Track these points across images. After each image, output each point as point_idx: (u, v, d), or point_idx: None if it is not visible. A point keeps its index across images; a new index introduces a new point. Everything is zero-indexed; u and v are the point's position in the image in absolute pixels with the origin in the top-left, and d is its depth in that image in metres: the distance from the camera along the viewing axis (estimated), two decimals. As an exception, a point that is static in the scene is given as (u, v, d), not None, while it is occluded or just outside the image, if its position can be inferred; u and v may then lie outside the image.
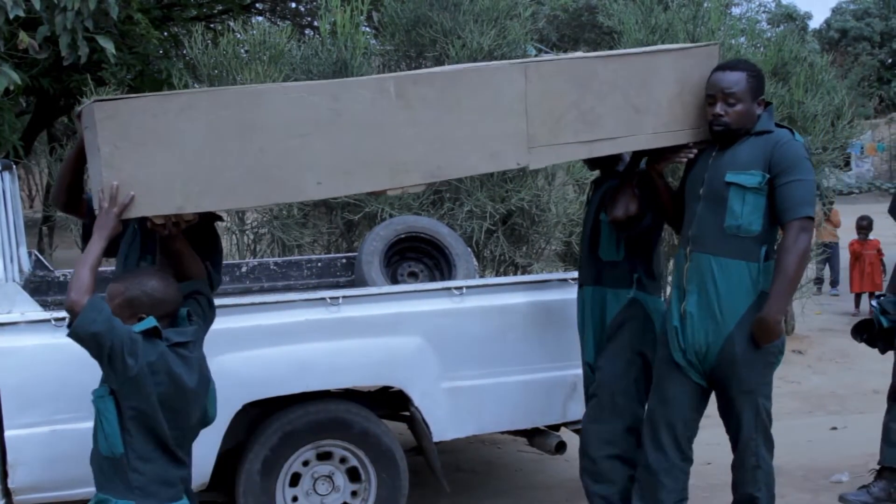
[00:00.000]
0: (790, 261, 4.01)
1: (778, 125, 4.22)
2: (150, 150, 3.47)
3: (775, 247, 4.19)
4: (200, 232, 3.92)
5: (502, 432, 5.36)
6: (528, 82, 3.99)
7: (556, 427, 5.25)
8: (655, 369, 4.45)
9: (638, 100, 4.18)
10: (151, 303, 3.49)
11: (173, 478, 3.54)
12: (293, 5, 15.55)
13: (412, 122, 3.82)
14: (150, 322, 3.42)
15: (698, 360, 4.22)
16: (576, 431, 5.12)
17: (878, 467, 5.51)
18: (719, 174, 4.17)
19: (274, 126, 3.61)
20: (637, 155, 4.56)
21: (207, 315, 3.85)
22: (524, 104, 3.99)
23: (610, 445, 4.57)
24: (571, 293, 5.01)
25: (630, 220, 4.49)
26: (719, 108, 4.14)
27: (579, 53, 4.47)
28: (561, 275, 5.38)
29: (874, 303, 5.48)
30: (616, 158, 4.66)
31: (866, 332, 5.52)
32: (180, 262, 3.78)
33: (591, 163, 4.82)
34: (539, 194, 8.25)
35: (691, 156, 4.35)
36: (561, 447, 5.12)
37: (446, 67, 4.45)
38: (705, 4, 9.49)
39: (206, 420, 3.76)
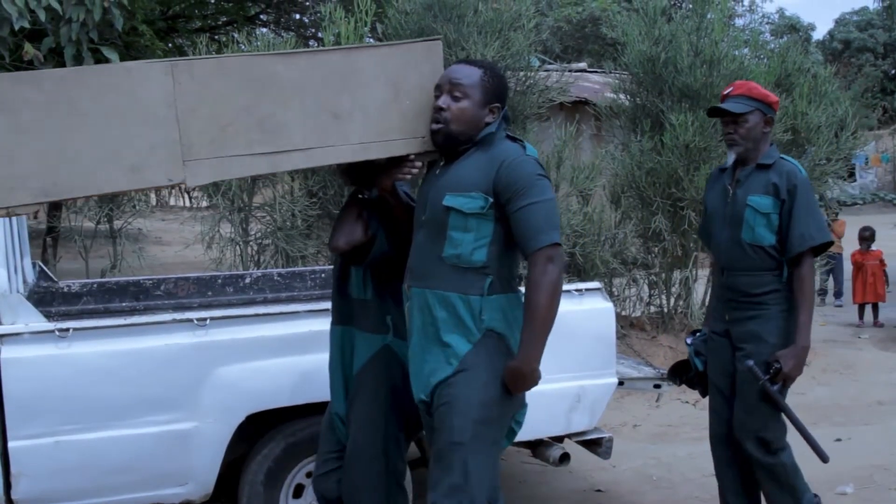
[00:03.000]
0: (540, 298, 3.40)
1: (510, 137, 3.64)
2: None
3: (515, 277, 3.67)
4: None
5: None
6: (176, 84, 3.39)
7: (560, 438, 5.23)
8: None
9: (337, 104, 3.60)
10: None
11: None
12: (297, 17, 15.59)
13: (14, 128, 3.25)
14: None
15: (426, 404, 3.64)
16: (580, 443, 5.11)
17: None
18: (440, 195, 3.56)
19: None
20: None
21: None
22: (174, 110, 3.40)
23: None
24: (577, 304, 5.00)
25: (357, 249, 3.92)
26: (442, 101, 3.56)
27: (256, 53, 3.86)
28: (566, 286, 5.36)
29: (689, 340, 4.88)
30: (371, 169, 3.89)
31: (684, 373, 4.95)
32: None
33: (346, 175, 4.03)
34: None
35: (415, 171, 3.74)
36: (565, 458, 5.10)
37: (65, 70, 3.66)
38: (709, 16, 9.50)
39: None
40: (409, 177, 3.75)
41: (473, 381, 3.47)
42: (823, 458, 4.45)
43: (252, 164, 3.55)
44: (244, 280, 6.32)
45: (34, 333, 4.39)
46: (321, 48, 3.82)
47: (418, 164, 3.72)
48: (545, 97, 8.64)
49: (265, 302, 6.18)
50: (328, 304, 4.76)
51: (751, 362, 4.44)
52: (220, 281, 6.27)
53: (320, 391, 4.66)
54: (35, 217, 13.34)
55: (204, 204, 19.59)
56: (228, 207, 7.94)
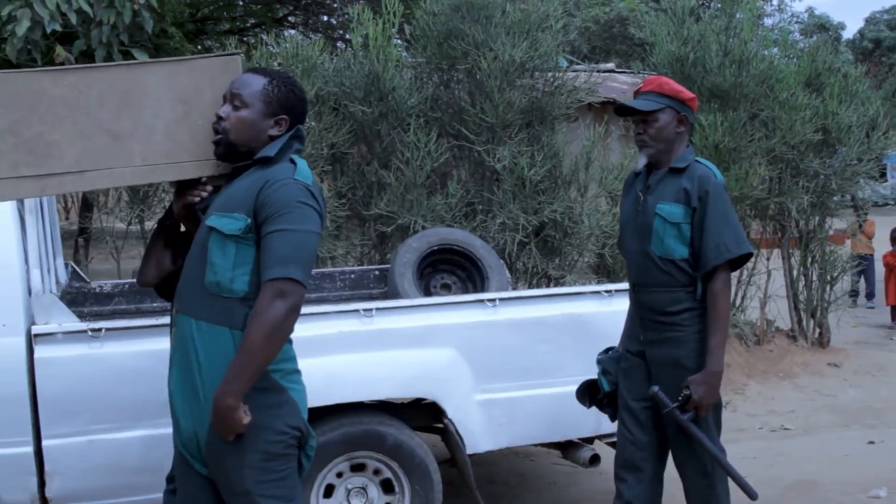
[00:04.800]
0: (255, 332, 3.05)
1: (293, 159, 3.31)
2: None
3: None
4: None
5: (536, 445, 5.35)
6: None
7: (590, 440, 5.22)
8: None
9: (117, 124, 3.35)
10: None
11: None
12: (325, 18, 15.61)
13: None
14: None
15: (196, 450, 3.33)
16: (610, 444, 5.10)
17: None
18: (210, 215, 3.30)
19: None
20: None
21: None
22: None
23: None
24: (605, 305, 5.00)
25: (169, 280, 3.64)
26: (222, 110, 3.30)
27: (25, 70, 3.57)
28: (594, 287, 5.35)
29: (600, 356, 4.49)
30: None
31: (594, 394, 4.51)
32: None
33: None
34: (572, 206, 8.24)
35: (205, 194, 3.46)
36: (595, 460, 5.09)
37: None
38: (738, 15, 9.46)
39: None
40: (197, 200, 3.46)
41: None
42: (751, 496, 3.96)
43: (19, 188, 3.35)
44: (274, 281, 6.32)
45: (67, 333, 4.43)
46: (100, 65, 3.69)
47: (209, 187, 3.46)
48: (573, 98, 8.61)
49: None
50: (358, 305, 4.80)
51: (656, 388, 4.05)
52: (249, 282, 6.27)
53: (351, 391, 4.69)
54: (66, 218, 13.42)
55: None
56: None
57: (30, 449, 4.37)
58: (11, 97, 3.28)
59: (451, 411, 4.80)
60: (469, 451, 4.84)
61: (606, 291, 5.09)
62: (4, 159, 3.28)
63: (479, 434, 4.87)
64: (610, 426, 4.99)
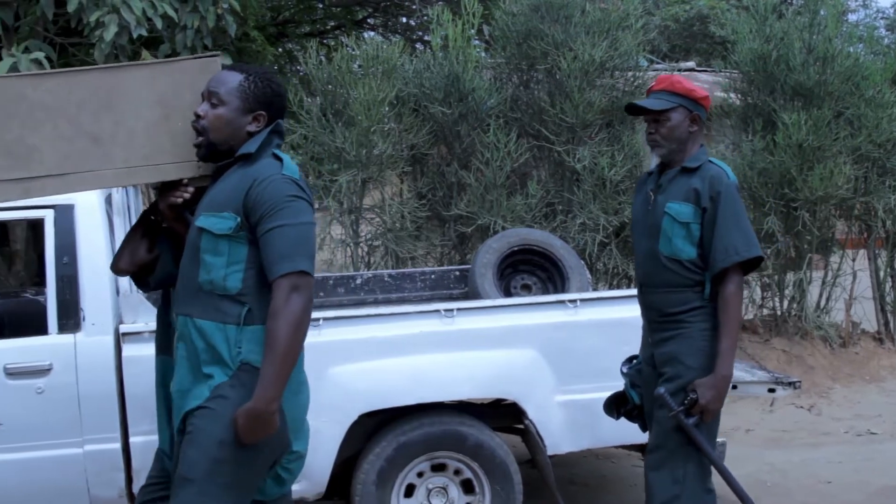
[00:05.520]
0: (280, 330, 3.05)
1: (276, 156, 3.33)
2: None
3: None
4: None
5: (617, 447, 5.31)
6: None
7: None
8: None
9: (96, 127, 3.38)
10: None
11: None
12: (404, 20, 15.68)
13: None
14: None
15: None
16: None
17: None
18: (198, 216, 3.33)
19: None
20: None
21: None
22: None
23: None
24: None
25: (143, 270, 3.69)
26: (200, 108, 3.31)
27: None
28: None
29: (624, 369, 4.36)
30: None
31: (622, 405, 4.38)
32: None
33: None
34: (652, 207, 8.16)
35: (187, 195, 3.45)
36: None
37: None
38: (821, 12, 9.29)
39: None
40: (179, 201, 3.45)
41: (219, 416, 3.15)
42: None
43: (1, 191, 3.37)
44: (355, 281, 6.39)
45: (153, 332, 4.50)
46: (79, 69, 3.64)
47: (190, 188, 3.45)
48: (654, 97, 8.54)
49: (376, 303, 6.24)
50: (439, 305, 4.82)
51: (662, 389, 3.90)
52: (331, 282, 6.34)
53: (432, 392, 4.71)
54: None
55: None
56: (339, 209, 8.03)
57: (118, 445, 4.47)
58: None
59: (532, 412, 4.80)
60: (550, 452, 4.84)
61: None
62: None
63: (559, 435, 4.86)
64: (692, 428, 4.96)
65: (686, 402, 3.84)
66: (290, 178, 3.21)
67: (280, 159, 3.30)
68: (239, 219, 3.18)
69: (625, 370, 4.34)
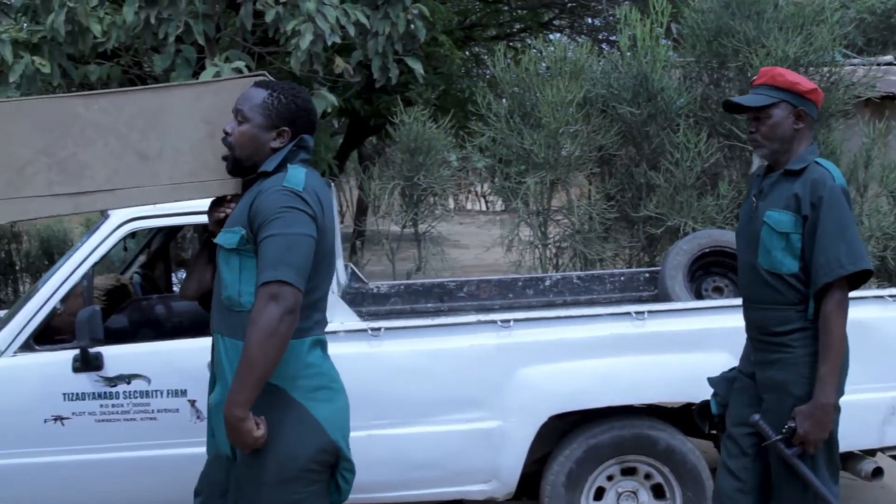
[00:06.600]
0: (251, 337, 2.99)
1: (294, 167, 3.28)
2: None
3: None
4: None
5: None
6: None
7: (872, 452, 4.99)
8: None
9: (144, 145, 3.51)
10: None
11: None
12: (590, 21, 15.63)
13: None
14: None
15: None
16: (893, 457, 4.86)
17: None
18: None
19: None
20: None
21: None
22: None
23: None
24: (889, 310, 4.78)
25: (209, 295, 3.63)
26: (228, 126, 3.34)
27: (57, 95, 3.75)
28: (877, 291, 5.11)
29: (710, 377, 4.13)
30: None
31: (709, 416, 4.08)
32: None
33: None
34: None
35: (229, 211, 3.49)
36: (877, 473, 4.84)
37: None
38: None
39: None
40: (223, 216, 3.51)
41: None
42: None
43: (54, 205, 3.53)
44: (544, 282, 6.40)
45: (349, 332, 4.64)
46: (129, 89, 3.77)
47: (233, 204, 3.49)
48: (850, 93, 8.26)
49: (565, 304, 6.24)
50: (629, 307, 4.78)
51: (757, 416, 3.61)
52: (520, 283, 6.38)
53: (622, 395, 4.68)
54: (342, 221, 13.94)
55: (499, 207, 19.97)
56: (527, 211, 8.06)
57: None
58: (46, 120, 3.49)
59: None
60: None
61: (891, 296, 4.86)
62: (40, 179, 3.49)
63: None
64: (894, 438, 4.78)
65: (784, 430, 3.53)
66: (289, 189, 3.16)
67: (287, 171, 3.27)
68: (244, 232, 3.17)
69: (710, 377, 4.09)
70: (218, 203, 3.59)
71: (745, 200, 3.89)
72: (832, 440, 3.62)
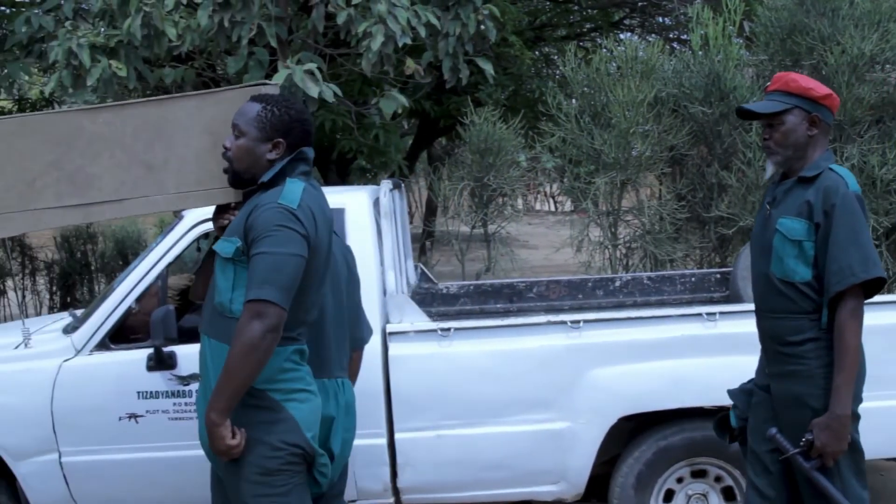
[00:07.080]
0: (232, 351, 3.16)
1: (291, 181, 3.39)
2: None
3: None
4: None
5: (887, 459, 5.07)
6: None
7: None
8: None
9: (150, 155, 3.61)
10: None
11: None
12: (661, 20, 15.50)
13: None
14: None
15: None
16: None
17: None
18: None
19: None
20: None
21: None
22: None
23: None
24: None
25: None
26: (226, 141, 3.44)
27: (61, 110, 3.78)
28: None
29: (730, 389, 4.03)
30: None
31: (729, 429, 4.00)
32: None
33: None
34: (928, 207, 7.74)
35: (232, 218, 3.56)
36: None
37: None
38: None
39: None
40: (226, 223, 3.61)
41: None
42: None
43: (65, 216, 3.67)
44: (614, 283, 6.38)
45: (419, 332, 4.66)
46: (132, 101, 3.91)
47: (237, 212, 3.55)
48: (929, 91, 8.10)
49: (635, 305, 6.21)
50: (699, 309, 4.74)
51: (774, 430, 3.56)
52: (590, 284, 6.36)
53: (693, 396, 4.65)
54: (411, 222, 14.01)
55: (568, 208, 19.89)
56: (597, 211, 8.03)
57: (384, 441, 4.64)
58: (54, 135, 3.60)
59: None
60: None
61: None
62: (50, 191, 3.60)
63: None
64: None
65: (802, 443, 3.48)
66: (284, 207, 3.26)
67: (284, 186, 3.36)
68: (240, 244, 3.28)
69: (730, 389, 4.00)
70: (222, 210, 3.69)
71: (760, 210, 3.84)
72: (856, 448, 3.57)
